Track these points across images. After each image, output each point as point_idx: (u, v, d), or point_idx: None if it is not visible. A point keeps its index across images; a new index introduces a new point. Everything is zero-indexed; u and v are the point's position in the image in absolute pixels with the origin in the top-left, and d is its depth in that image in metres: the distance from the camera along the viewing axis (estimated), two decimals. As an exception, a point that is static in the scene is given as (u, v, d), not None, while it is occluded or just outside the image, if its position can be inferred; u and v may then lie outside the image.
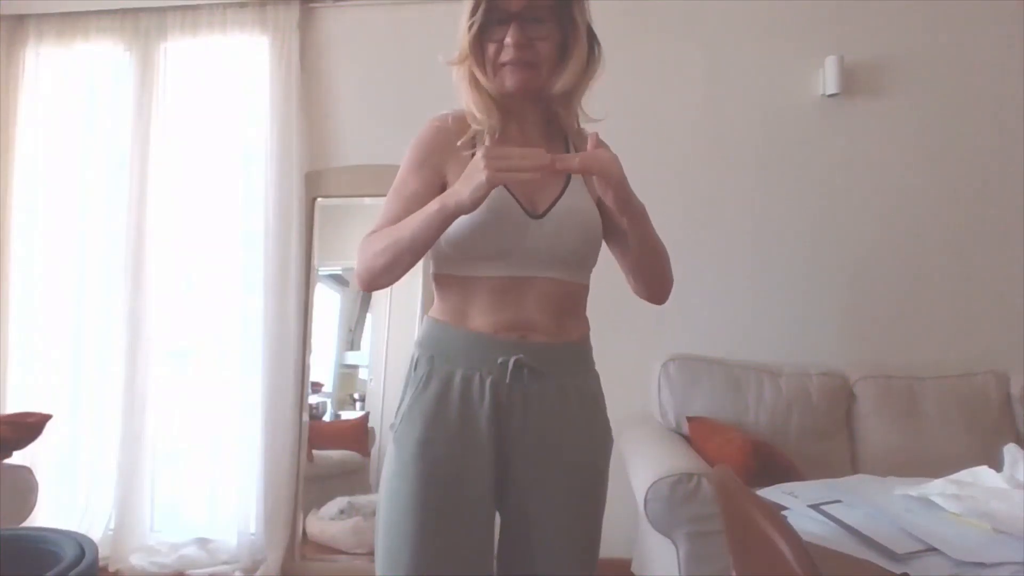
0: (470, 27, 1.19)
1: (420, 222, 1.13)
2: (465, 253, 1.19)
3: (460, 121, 1.25)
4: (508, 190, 1.18)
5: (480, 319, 1.20)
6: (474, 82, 1.23)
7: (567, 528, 1.22)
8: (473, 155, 1.18)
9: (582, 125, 1.32)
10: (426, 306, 1.35)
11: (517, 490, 1.22)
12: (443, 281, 1.26)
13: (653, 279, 1.31)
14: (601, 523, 1.28)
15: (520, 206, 1.19)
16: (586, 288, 1.29)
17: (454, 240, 1.18)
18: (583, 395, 1.26)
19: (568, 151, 1.30)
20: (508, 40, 1.18)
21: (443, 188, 1.22)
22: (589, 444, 1.26)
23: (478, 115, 1.22)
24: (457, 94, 1.26)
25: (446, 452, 1.18)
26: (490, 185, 1.05)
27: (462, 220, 1.13)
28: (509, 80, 1.21)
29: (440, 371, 1.20)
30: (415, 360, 1.24)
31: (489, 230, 1.17)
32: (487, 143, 1.22)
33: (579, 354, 1.28)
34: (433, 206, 1.12)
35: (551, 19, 1.20)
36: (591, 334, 1.31)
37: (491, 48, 1.20)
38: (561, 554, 1.22)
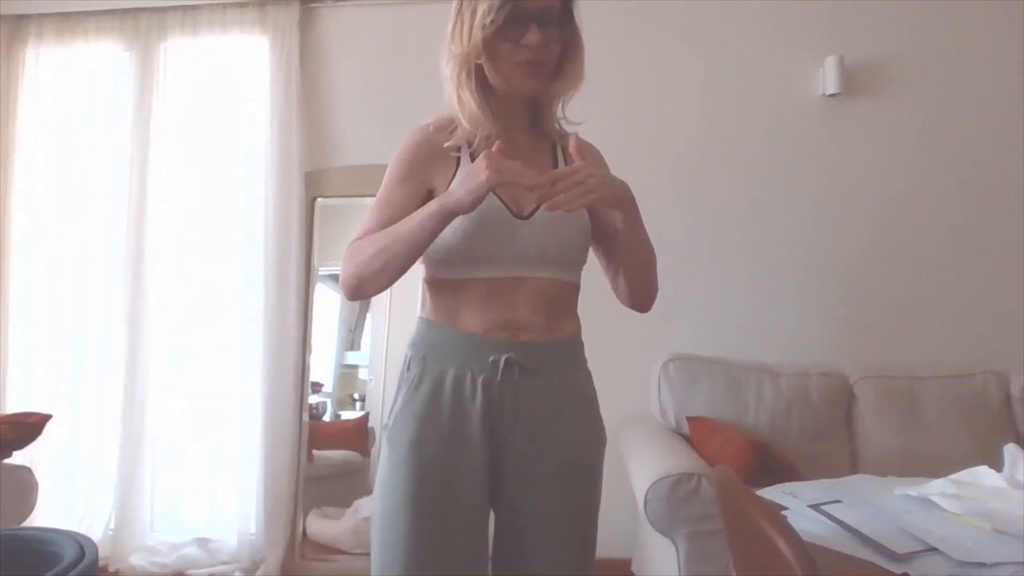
0: (487, 24, 1.15)
1: (418, 222, 1.13)
2: (455, 257, 1.20)
3: (442, 129, 1.25)
4: (495, 193, 1.19)
5: (471, 319, 1.20)
6: (479, 81, 1.21)
7: (561, 526, 1.22)
8: (459, 159, 1.22)
9: (564, 128, 1.32)
10: (425, 306, 1.34)
11: (510, 488, 1.22)
12: (434, 285, 1.26)
13: (643, 282, 1.30)
14: (596, 521, 1.28)
15: (507, 208, 1.20)
16: (576, 287, 1.30)
17: (444, 245, 1.18)
18: (574, 393, 1.26)
19: (555, 152, 1.31)
20: (528, 40, 1.16)
21: (429, 198, 1.22)
22: (581, 442, 1.26)
23: (480, 116, 1.20)
24: (448, 93, 1.24)
25: (439, 451, 1.18)
26: (489, 186, 1.07)
27: (451, 225, 1.14)
28: (522, 81, 1.20)
29: (432, 371, 1.21)
30: (408, 360, 1.25)
31: (478, 234, 1.18)
32: (476, 145, 1.22)
33: (570, 352, 1.28)
34: (432, 206, 1.13)
35: (558, 23, 1.20)
36: (591, 334, 1.32)
37: (505, 47, 1.18)
38: (556, 552, 1.22)
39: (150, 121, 2.96)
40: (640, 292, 1.31)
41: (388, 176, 1.26)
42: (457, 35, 1.21)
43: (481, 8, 1.16)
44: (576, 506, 1.24)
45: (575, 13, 1.24)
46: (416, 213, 1.15)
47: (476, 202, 1.09)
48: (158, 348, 2.95)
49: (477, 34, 1.17)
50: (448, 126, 1.25)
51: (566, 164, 1.29)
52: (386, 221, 1.20)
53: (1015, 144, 2.77)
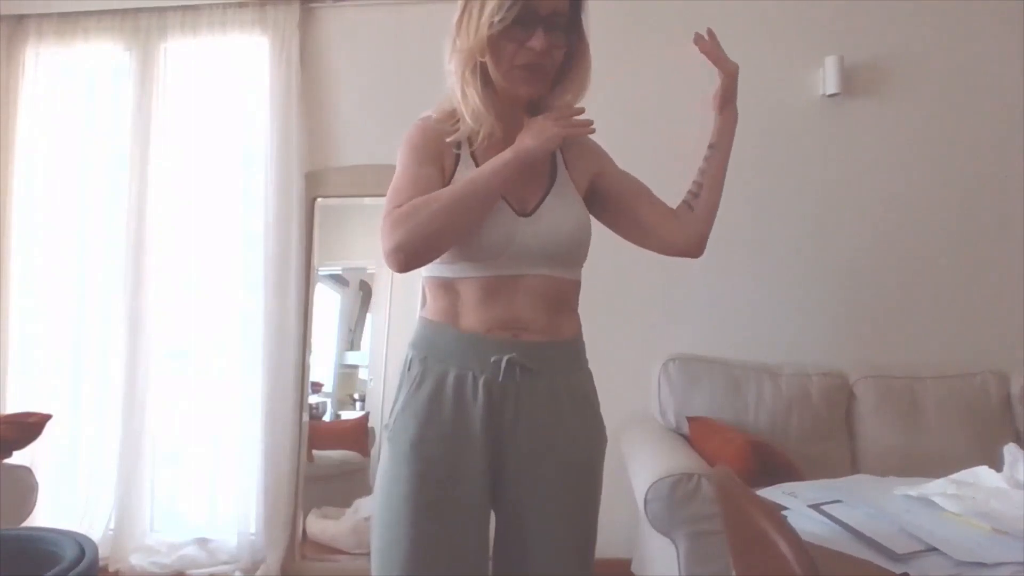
0: (495, 22, 1.15)
1: (492, 170, 1.15)
2: (458, 255, 1.19)
3: (443, 120, 1.25)
4: None
5: (472, 318, 1.20)
6: (483, 78, 1.21)
7: (561, 526, 1.22)
8: (458, 155, 1.22)
9: None
10: (425, 306, 1.34)
11: (511, 488, 1.22)
12: (435, 283, 1.26)
13: (716, 207, 1.42)
14: (596, 521, 1.28)
15: (509, 206, 1.20)
16: (577, 284, 1.29)
17: None
18: (575, 393, 1.26)
19: (554, 157, 1.30)
20: (533, 43, 1.16)
21: (446, 177, 1.22)
22: (582, 441, 1.26)
23: (484, 112, 1.19)
24: (452, 88, 1.24)
25: (440, 451, 1.18)
26: (561, 138, 1.17)
27: None
28: (522, 83, 1.20)
29: (433, 371, 1.21)
30: (408, 360, 1.25)
31: (480, 231, 1.17)
32: (478, 144, 1.22)
33: (571, 352, 1.28)
34: (506, 155, 1.15)
35: (564, 30, 1.20)
36: (591, 334, 1.32)
37: (509, 47, 1.18)
38: (556, 552, 1.22)
39: (150, 121, 2.95)
40: (711, 219, 1.41)
41: (405, 161, 1.23)
42: (463, 30, 1.20)
43: (490, 5, 1.15)
44: (577, 506, 1.24)
45: (583, 21, 1.24)
46: (484, 167, 1.16)
47: (547, 152, 1.17)
48: (158, 348, 2.95)
49: (483, 31, 1.16)
50: (449, 118, 1.24)
51: (565, 166, 1.30)
52: (422, 191, 1.16)
53: (1015, 144, 2.77)
